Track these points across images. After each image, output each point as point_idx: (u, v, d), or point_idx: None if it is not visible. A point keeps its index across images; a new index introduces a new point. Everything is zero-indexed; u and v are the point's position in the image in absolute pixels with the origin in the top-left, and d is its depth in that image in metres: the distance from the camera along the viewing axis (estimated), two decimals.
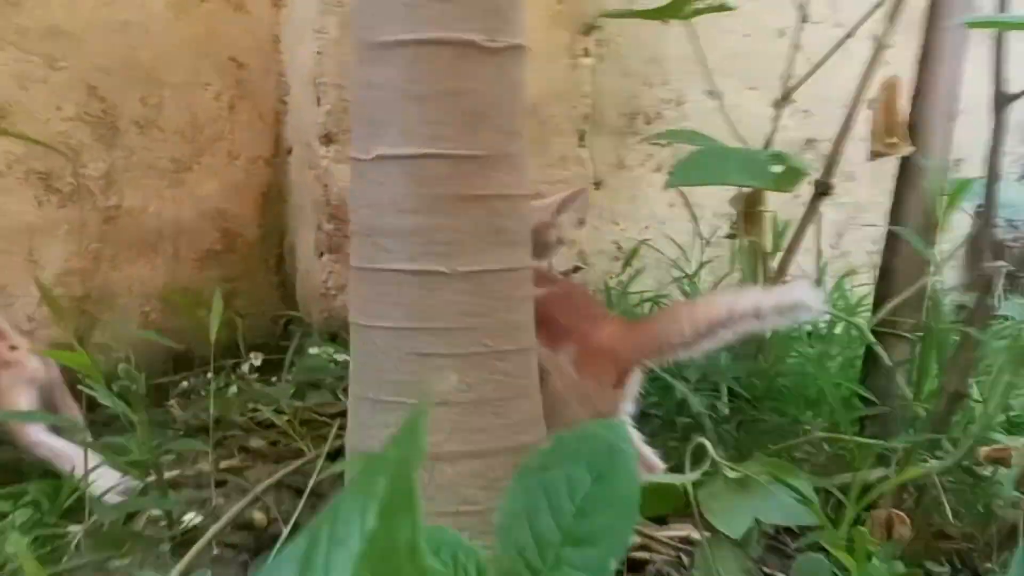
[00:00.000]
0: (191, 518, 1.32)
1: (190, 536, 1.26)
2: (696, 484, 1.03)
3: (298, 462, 1.48)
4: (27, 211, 1.78)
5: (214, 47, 1.97)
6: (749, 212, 1.62)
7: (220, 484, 1.46)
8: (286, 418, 1.64)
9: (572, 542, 0.66)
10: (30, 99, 1.76)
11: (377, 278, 1.10)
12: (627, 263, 2.10)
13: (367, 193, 1.10)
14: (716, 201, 2.09)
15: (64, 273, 1.84)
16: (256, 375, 1.92)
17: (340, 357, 1.84)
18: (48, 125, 1.78)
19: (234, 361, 1.99)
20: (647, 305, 1.98)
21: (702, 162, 1.42)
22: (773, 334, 1.65)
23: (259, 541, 1.30)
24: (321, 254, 1.91)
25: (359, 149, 1.10)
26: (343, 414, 1.47)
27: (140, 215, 1.92)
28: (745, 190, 1.60)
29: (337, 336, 1.90)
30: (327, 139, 1.83)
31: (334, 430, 1.56)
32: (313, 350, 1.77)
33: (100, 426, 1.60)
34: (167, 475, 1.39)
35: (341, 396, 1.78)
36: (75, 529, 1.25)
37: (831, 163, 1.55)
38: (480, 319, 1.08)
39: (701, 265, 1.99)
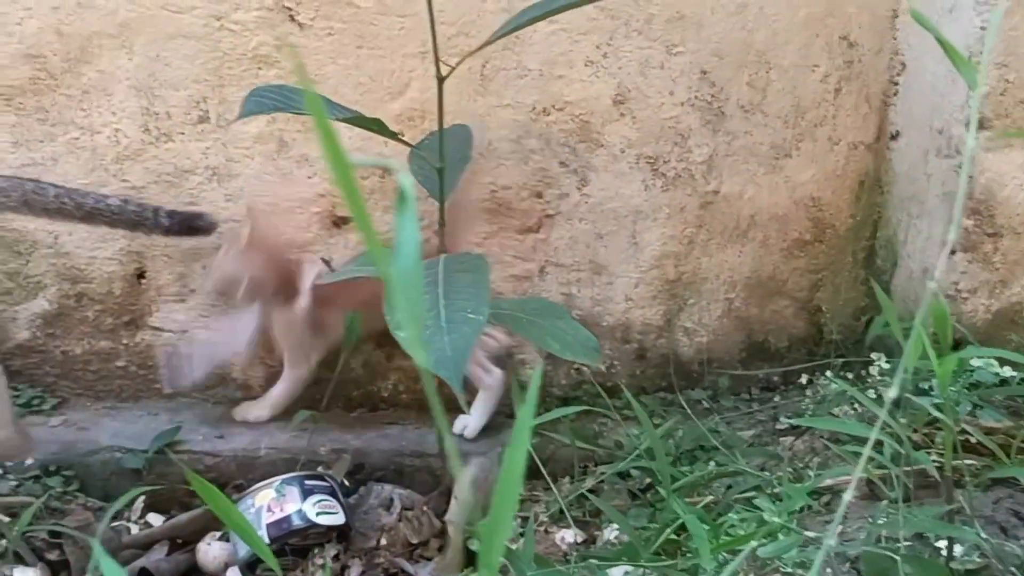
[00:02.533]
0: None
1: None
2: None
3: None
4: (635, 194, 1.86)
5: (828, 26, 1.85)
6: None
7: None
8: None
9: None
10: (647, 84, 1.82)
11: None
12: None
13: None
14: None
15: (660, 256, 1.89)
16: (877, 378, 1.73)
17: (1006, 372, 1.52)
18: (660, 110, 1.83)
19: (844, 360, 1.86)
20: None
21: None
22: None
23: None
24: (952, 252, 1.70)
25: None
26: None
27: (735, 201, 1.89)
28: None
29: (960, 343, 1.66)
30: (978, 124, 1.61)
31: None
32: (976, 361, 1.54)
33: None
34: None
35: None
36: None
37: None
38: None
39: None
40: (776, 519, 0.98)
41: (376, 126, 1.27)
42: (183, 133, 1.81)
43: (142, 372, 1.92)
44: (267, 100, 1.20)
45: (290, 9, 1.75)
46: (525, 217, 1.86)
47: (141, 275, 1.88)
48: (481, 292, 1.18)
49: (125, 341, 1.91)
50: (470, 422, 1.77)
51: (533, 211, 1.86)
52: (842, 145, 1.92)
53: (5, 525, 1.58)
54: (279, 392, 1.82)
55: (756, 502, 1.15)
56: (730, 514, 1.17)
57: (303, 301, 1.73)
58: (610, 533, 1.46)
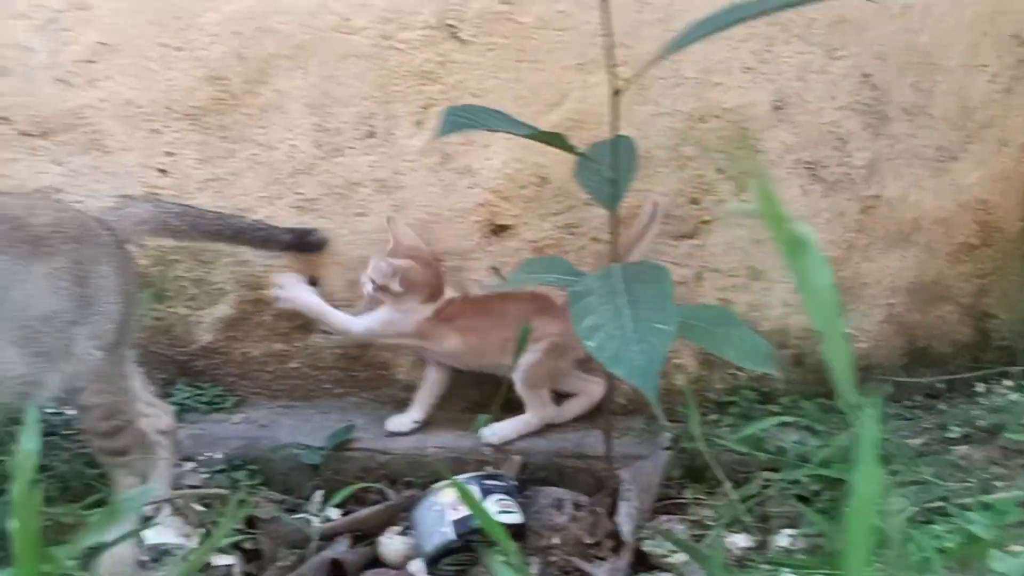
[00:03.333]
0: None
1: None
2: None
3: None
4: (793, 200, 1.86)
5: (997, 24, 1.80)
6: None
7: None
8: None
9: None
10: (806, 89, 1.81)
11: None
12: None
13: None
14: None
15: None
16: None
17: None
18: (819, 115, 1.82)
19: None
20: None
21: None
22: None
23: None
24: None
25: None
26: None
27: (898, 205, 1.87)
28: None
29: None
30: None
31: None
32: None
33: None
34: None
35: None
36: None
37: None
38: None
39: None
40: (986, 533, 0.97)
41: (557, 141, 1.32)
42: (352, 147, 1.91)
43: (313, 373, 2.04)
44: (461, 119, 1.27)
45: (453, 27, 1.83)
46: (681, 223, 1.89)
47: (313, 282, 1.99)
48: (666, 303, 1.22)
49: (298, 344, 2.03)
50: (499, 431, 1.82)
51: (689, 217, 1.88)
52: (1012, 146, 1.87)
53: (202, 514, 1.72)
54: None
55: (959, 514, 1.14)
56: (932, 525, 1.17)
57: (434, 307, 1.82)
58: (782, 539, 1.47)
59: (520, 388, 1.81)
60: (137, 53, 1.86)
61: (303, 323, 2.01)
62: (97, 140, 1.92)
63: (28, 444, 0.84)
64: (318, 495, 1.84)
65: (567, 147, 1.33)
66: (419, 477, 1.83)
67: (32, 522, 0.82)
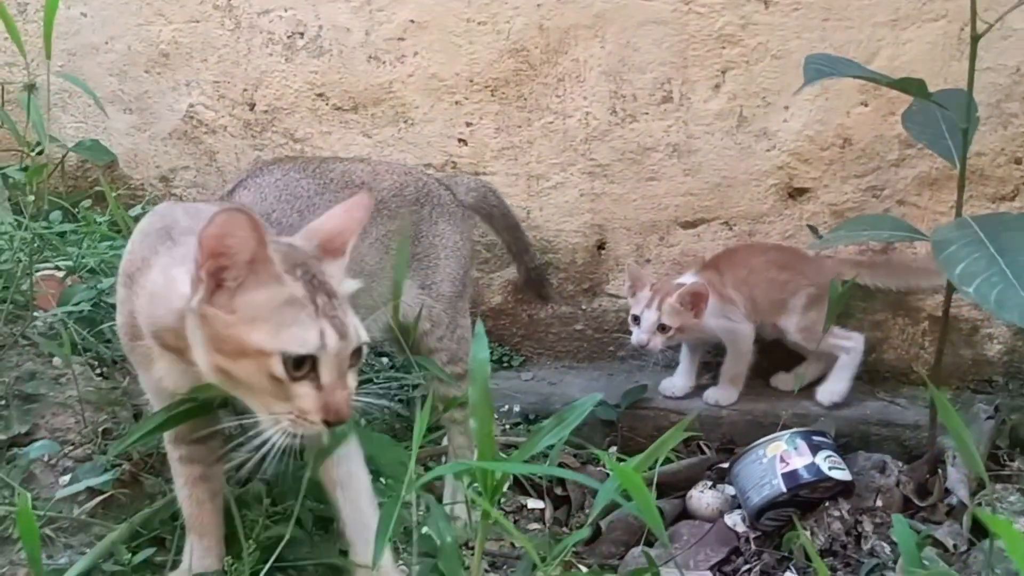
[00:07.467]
0: None
1: None
2: None
3: None
4: None
5: None
6: None
7: None
8: None
9: None
10: None
11: None
12: None
13: None
14: None
15: None
16: None
17: None
18: None
19: None
20: None
21: None
22: None
23: None
24: None
25: None
26: None
27: None
28: None
29: None
30: None
31: None
32: None
33: None
34: None
35: None
36: None
37: None
38: None
39: None
40: None
41: (914, 87, 1.29)
42: (647, 113, 1.94)
43: (597, 336, 2.09)
44: (822, 68, 1.26)
45: None
46: (1000, 185, 1.79)
47: (601, 246, 2.04)
48: None
49: (584, 307, 2.09)
50: (836, 388, 1.80)
51: (1010, 178, 1.78)
52: None
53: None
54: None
55: None
56: None
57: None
58: None
59: (811, 346, 1.81)
60: (443, 29, 1.98)
61: (589, 287, 2.07)
62: (403, 113, 2.06)
63: (480, 353, 0.91)
64: (613, 450, 1.89)
65: (925, 95, 1.29)
66: (713, 439, 1.85)
67: (490, 421, 0.90)
